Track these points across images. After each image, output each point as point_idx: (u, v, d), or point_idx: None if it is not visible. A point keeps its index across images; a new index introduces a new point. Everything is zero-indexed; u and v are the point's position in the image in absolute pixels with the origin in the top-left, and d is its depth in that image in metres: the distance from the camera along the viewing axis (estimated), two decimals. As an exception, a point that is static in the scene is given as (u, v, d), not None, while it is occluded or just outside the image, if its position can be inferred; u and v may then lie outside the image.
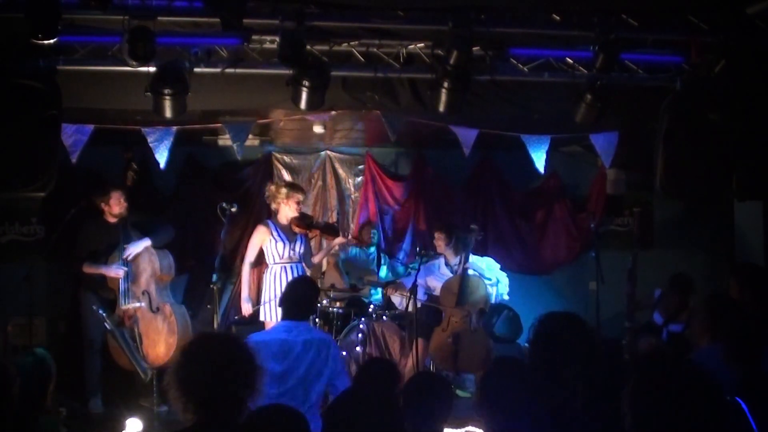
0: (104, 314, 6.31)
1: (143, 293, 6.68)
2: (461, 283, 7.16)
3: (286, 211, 6.80)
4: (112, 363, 6.69)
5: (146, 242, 6.75)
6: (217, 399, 2.62)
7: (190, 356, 2.69)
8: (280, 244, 6.74)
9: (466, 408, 6.61)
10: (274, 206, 6.92)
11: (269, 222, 6.87)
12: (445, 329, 7.13)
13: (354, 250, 8.31)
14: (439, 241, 7.48)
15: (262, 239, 6.79)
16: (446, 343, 7.05)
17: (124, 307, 6.60)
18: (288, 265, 6.75)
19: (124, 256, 6.64)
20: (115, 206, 6.73)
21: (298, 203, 6.82)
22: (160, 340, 6.62)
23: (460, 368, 7.09)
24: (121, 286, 6.62)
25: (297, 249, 6.80)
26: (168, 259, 6.91)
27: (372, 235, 8.28)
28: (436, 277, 7.49)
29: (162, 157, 6.41)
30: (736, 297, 4.66)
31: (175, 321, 6.69)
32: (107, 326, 6.21)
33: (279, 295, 6.41)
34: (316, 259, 7.29)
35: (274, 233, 6.76)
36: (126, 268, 6.62)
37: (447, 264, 7.49)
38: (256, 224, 7.13)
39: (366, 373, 4.11)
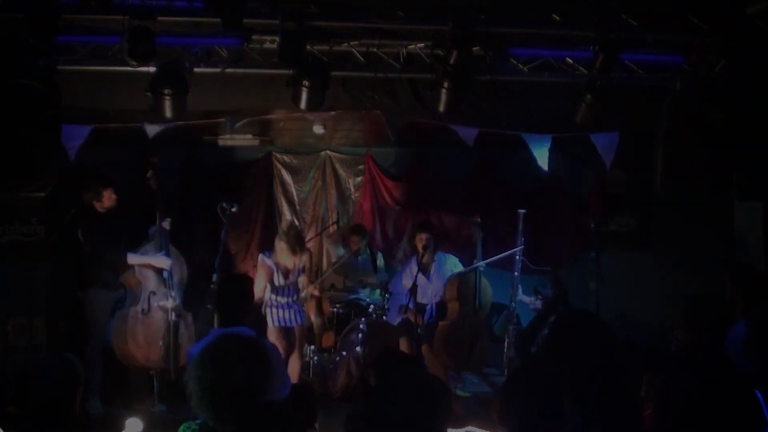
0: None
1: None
2: (477, 283, 7.05)
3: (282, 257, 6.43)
4: (115, 362, 6.69)
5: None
6: (229, 399, 2.66)
7: (209, 355, 2.75)
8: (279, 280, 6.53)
9: (466, 408, 6.69)
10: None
11: (266, 260, 6.50)
12: (461, 326, 6.95)
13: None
14: (421, 242, 7.20)
15: (268, 276, 6.48)
16: (465, 343, 6.90)
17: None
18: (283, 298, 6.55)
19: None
20: (107, 201, 6.74)
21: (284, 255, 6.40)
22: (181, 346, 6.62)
23: (470, 368, 7.04)
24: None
25: (291, 282, 6.59)
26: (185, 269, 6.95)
27: (360, 247, 8.12)
28: (406, 275, 7.34)
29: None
30: (729, 295, 4.68)
31: (194, 331, 6.73)
32: None
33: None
34: None
35: (275, 273, 6.48)
36: (169, 260, 6.66)
37: (418, 263, 7.05)
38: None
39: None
